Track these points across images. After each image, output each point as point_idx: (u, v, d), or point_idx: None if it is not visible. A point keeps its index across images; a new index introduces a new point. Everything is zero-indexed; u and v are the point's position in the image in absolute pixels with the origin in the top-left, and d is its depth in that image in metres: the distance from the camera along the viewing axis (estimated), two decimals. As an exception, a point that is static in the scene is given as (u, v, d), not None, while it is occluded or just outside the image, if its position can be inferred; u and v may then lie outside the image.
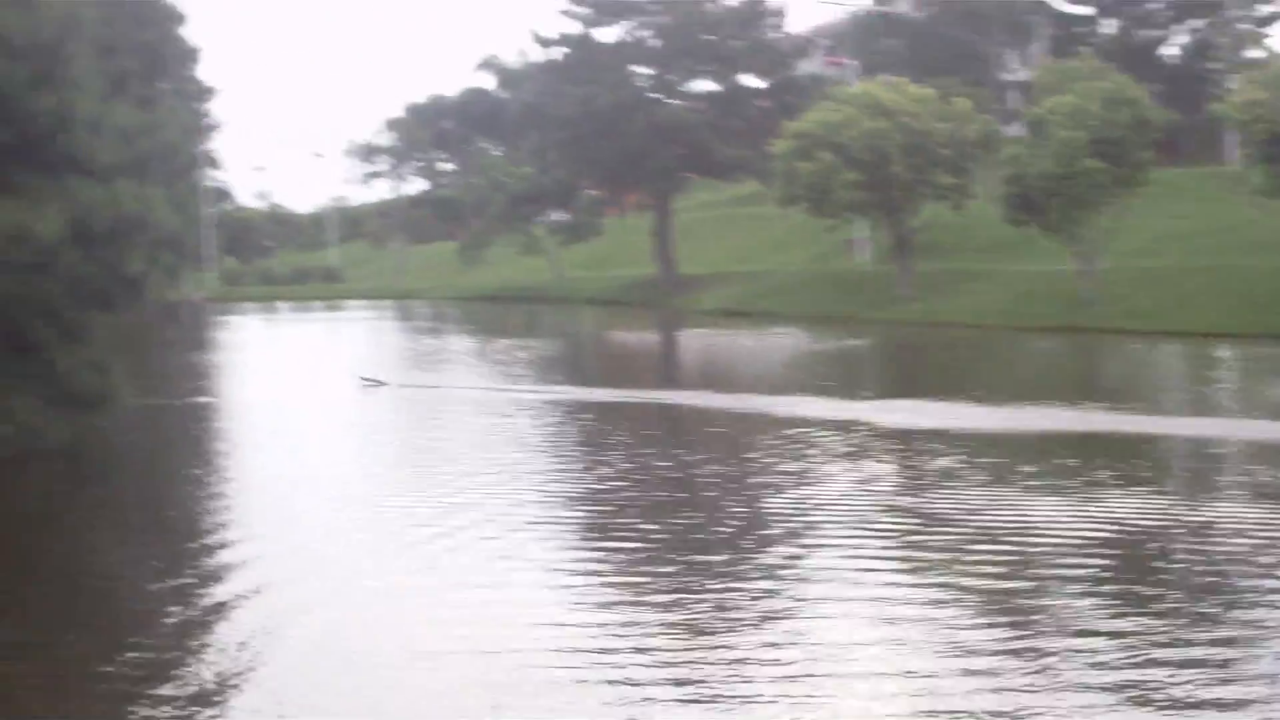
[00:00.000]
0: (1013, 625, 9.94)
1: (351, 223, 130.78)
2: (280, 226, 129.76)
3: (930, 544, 12.66)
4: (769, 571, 11.87)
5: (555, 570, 12.00)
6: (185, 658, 9.59)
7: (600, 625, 10.18)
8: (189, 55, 46.81)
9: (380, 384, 27.58)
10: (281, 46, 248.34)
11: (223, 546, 13.16)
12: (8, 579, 12.37)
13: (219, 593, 11.38)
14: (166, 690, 8.92)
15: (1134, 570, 11.66)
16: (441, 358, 36.86)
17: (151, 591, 11.80)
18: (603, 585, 11.51)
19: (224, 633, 10.20)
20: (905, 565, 12.02)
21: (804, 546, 12.76)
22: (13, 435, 17.67)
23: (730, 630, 10.01)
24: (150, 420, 23.19)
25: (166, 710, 8.59)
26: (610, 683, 8.92)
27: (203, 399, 27.85)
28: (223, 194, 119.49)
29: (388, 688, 8.94)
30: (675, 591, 11.05)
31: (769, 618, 10.28)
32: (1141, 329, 36.77)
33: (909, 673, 8.98)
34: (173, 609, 10.92)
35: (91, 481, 17.67)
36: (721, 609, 10.51)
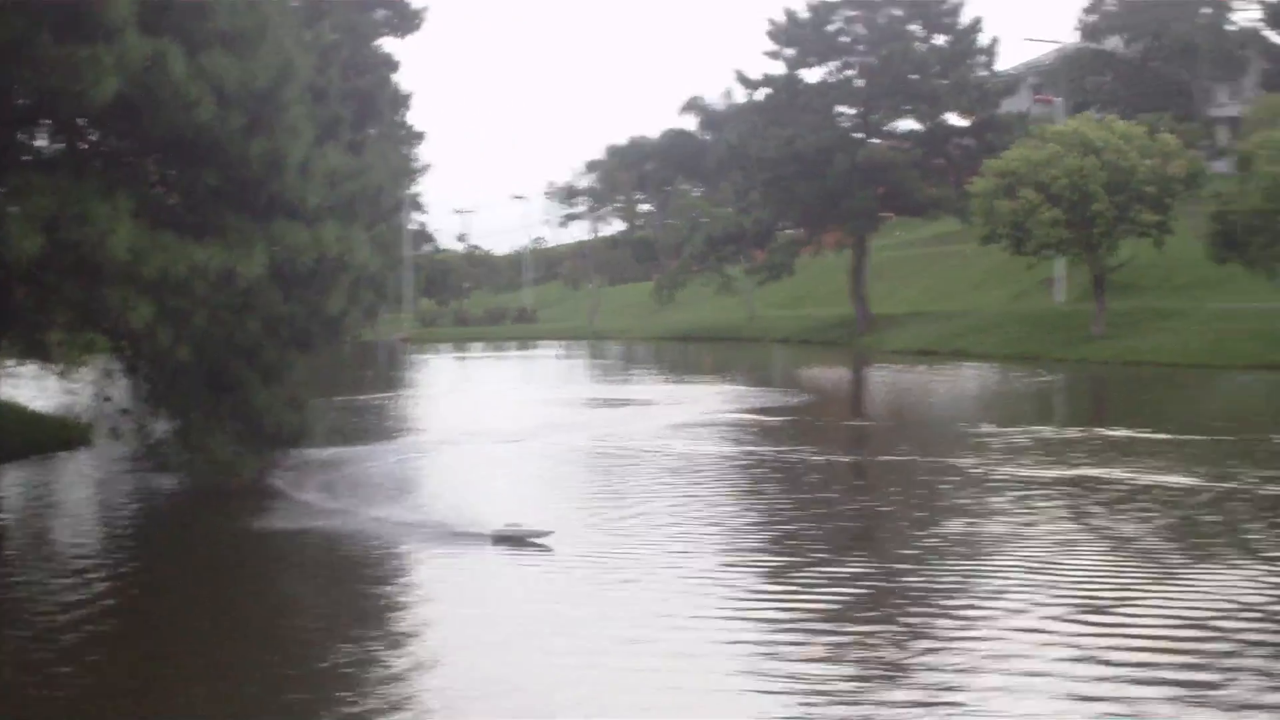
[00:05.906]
0: None
1: (548, 263, 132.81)
2: (477, 268, 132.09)
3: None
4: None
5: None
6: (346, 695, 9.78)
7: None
8: (400, 101, 47.72)
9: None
10: (486, 89, 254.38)
11: (401, 599, 13.33)
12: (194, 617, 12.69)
13: (392, 644, 11.60)
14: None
15: None
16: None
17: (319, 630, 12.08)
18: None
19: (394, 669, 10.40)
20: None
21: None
22: (206, 470, 18.31)
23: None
24: (338, 458, 23.34)
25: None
26: None
27: (392, 436, 28.24)
28: (425, 236, 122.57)
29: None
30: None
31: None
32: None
33: None
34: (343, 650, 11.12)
35: (278, 519, 17.52)
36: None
